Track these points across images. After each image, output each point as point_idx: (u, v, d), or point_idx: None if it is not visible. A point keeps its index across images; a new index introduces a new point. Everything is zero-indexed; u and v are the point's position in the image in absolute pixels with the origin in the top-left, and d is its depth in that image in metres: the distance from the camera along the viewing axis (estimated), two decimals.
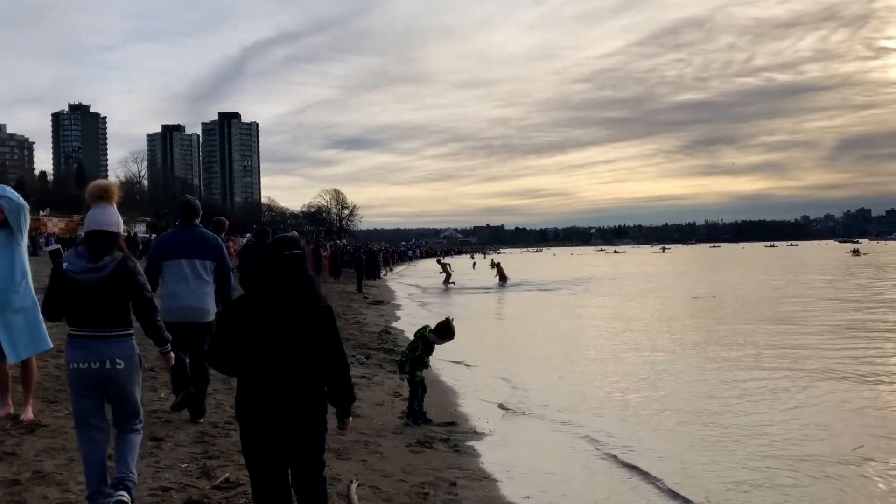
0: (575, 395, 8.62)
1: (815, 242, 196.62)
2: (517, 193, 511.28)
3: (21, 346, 5.28)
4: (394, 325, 15.97)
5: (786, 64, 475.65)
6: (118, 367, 3.85)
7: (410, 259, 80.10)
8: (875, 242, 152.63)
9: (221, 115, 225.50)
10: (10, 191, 5.38)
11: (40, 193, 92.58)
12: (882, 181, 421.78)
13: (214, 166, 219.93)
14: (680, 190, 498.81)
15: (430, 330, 7.10)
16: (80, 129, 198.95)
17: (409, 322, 16.32)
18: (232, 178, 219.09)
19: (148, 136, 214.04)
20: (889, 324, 15.25)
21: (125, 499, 3.77)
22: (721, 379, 9.40)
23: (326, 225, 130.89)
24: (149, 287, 4.05)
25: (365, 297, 23.62)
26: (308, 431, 3.18)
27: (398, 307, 21.33)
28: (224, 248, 6.43)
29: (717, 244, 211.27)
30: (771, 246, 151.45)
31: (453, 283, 32.91)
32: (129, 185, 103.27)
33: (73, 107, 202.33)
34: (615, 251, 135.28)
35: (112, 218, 3.94)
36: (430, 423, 6.90)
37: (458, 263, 65.94)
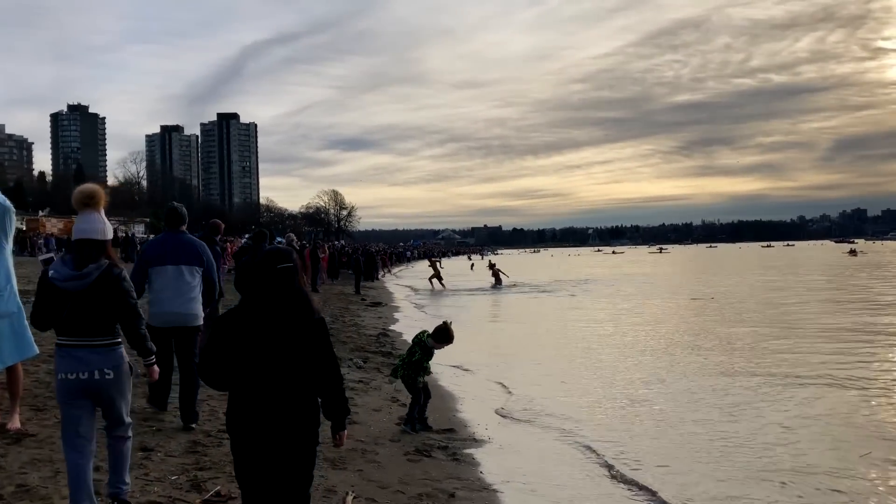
0: (575, 402, 8.45)
1: (812, 242, 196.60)
2: (515, 194, 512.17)
3: (6, 353, 5.13)
4: (392, 327, 15.83)
5: (782, 65, 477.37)
6: (107, 377, 3.82)
7: (409, 260, 79.92)
8: (871, 242, 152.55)
9: (220, 115, 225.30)
10: None
11: (39, 194, 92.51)
12: (878, 181, 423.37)
13: (213, 167, 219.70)
14: (677, 190, 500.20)
15: (428, 335, 6.95)
16: (79, 129, 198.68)
17: (407, 324, 16.19)
18: (231, 178, 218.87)
19: (147, 136, 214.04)
20: (893, 327, 15.11)
21: None
22: (723, 385, 9.23)
23: (325, 226, 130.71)
24: (134, 295, 3.98)
25: (363, 298, 23.48)
26: (299, 446, 3.12)
27: (396, 309, 21.18)
28: (210, 253, 6.49)
29: (713, 244, 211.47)
30: (767, 246, 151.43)
31: (442, 284, 32.76)
32: (128, 186, 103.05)
33: (72, 107, 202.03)
34: (613, 252, 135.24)
35: (97, 225, 3.87)
36: (430, 430, 6.76)
37: (456, 265, 65.96)
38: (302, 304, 3.16)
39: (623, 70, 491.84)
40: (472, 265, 55.82)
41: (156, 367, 4.15)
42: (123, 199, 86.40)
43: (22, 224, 75.28)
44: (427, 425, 6.81)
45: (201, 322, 6.29)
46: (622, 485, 5.52)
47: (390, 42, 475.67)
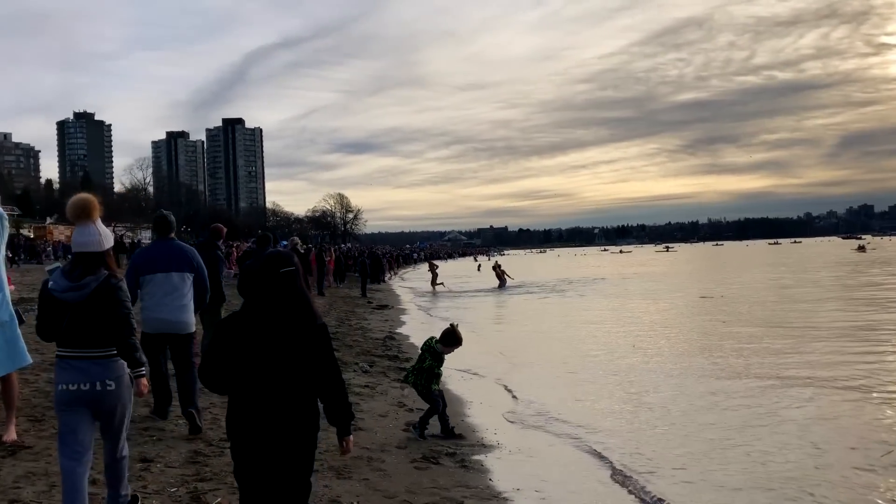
0: (587, 406, 8.27)
1: (819, 239, 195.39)
2: (520, 195, 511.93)
3: None
4: (398, 330, 15.67)
5: (786, 62, 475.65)
6: (109, 388, 3.77)
7: (415, 262, 79.84)
8: (879, 238, 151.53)
9: (225, 121, 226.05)
10: None
11: (46, 202, 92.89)
12: (884, 177, 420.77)
13: (219, 172, 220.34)
14: (682, 189, 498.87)
15: (437, 340, 6.79)
16: (85, 137, 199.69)
17: (413, 328, 16.04)
18: (237, 183, 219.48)
19: (153, 142, 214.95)
20: None
21: None
22: (738, 388, 8.99)
23: (331, 229, 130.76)
24: (129, 305, 3.91)
25: (369, 301, 23.33)
26: (298, 452, 3.10)
27: (403, 311, 21.03)
28: (200, 258, 6.56)
29: (719, 242, 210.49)
30: (774, 243, 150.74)
31: (441, 284, 32.56)
32: (135, 193, 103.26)
33: (78, 115, 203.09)
34: (620, 251, 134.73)
35: (94, 237, 3.83)
36: (461, 437, 6.57)
37: (463, 266, 65.82)
38: (304, 309, 3.12)
39: (627, 70, 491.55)
40: (479, 266, 55.58)
41: (145, 381, 4.00)
42: (130, 206, 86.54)
43: (30, 232, 75.73)
44: (454, 434, 6.60)
45: (193, 329, 6.39)
46: (636, 493, 5.34)
47: (394, 45, 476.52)
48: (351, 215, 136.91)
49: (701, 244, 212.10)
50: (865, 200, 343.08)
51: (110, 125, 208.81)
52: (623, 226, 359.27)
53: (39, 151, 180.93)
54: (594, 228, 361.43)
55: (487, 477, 5.57)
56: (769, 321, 15.94)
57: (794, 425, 7.12)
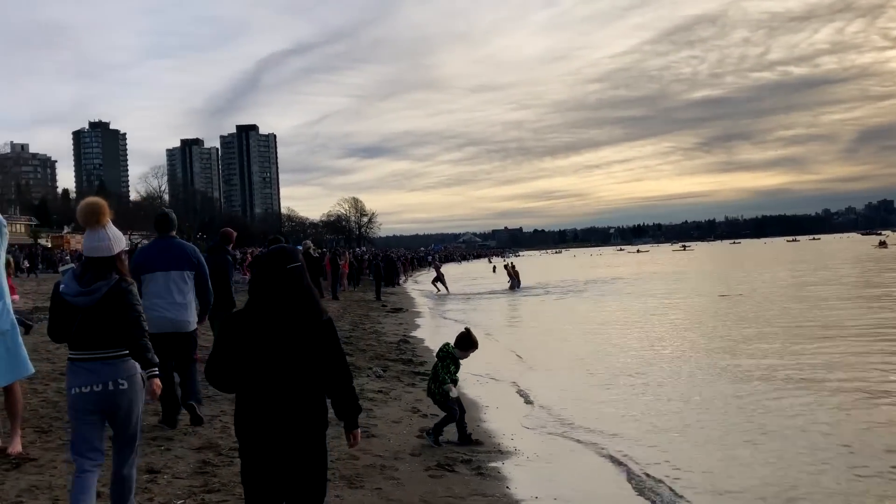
0: (608, 411, 8.01)
1: (838, 236, 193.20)
2: (534, 195, 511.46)
3: (0, 373, 4.88)
4: (413, 333, 15.50)
5: (801, 57, 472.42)
6: (121, 387, 3.77)
7: (430, 264, 79.79)
8: None
9: (239, 127, 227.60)
10: None
11: (64, 211, 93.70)
12: None
13: (234, 178, 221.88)
14: (698, 187, 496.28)
15: (452, 346, 6.61)
16: (100, 146, 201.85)
17: (428, 331, 15.87)
18: (251, 189, 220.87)
19: (167, 150, 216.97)
20: None
21: None
22: (763, 391, 8.71)
23: (346, 233, 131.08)
24: (140, 308, 3.90)
25: (384, 304, 23.20)
26: (308, 450, 3.06)
27: (417, 314, 20.87)
28: (201, 256, 6.58)
29: (737, 240, 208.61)
30: (793, 240, 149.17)
31: (436, 286, 32.43)
32: (150, 200, 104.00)
33: (93, 125, 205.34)
34: (637, 250, 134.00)
35: (104, 243, 3.83)
36: (479, 444, 6.41)
37: (477, 268, 65.57)
38: (309, 305, 3.10)
39: (639, 68, 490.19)
40: (494, 268, 55.40)
41: (158, 381, 3.98)
42: (146, 214, 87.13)
43: (47, 241, 76.40)
44: (471, 440, 6.42)
45: (195, 328, 6.44)
46: (657, 502, 5.12)
47: (405, 49, 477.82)
48: (365, 219, 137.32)
49: (718, 242, 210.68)
50: (885, 195, 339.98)
51: (125, 134, 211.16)
52: (639, 225, 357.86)
53: (56, 161, 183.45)
54: (610, 228, 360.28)
55: (504, 485, 5.38)
56: (792, 321, 15.56)
57: (824, 428, 6.86)
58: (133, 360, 3.83)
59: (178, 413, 6.34)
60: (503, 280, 35.35)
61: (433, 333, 14.88)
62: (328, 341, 3.10)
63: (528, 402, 8.55)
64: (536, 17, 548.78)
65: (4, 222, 5.02)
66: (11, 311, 5.03)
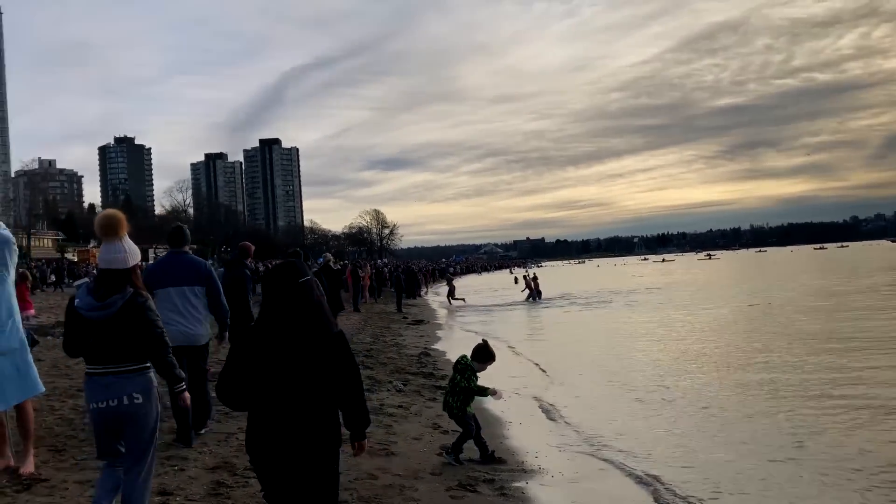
0: (635, 427, 7.73)
1: (867, 243, 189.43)
2: (556, 205, 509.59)
3: (8, 392, 4.78)
4: (434, 346, 15.30)
5: (826, 63, 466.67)
6: (136, 401, 3.74)
7: (452, 276, 79.62)
8: None
9: (262, 141, 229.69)
10: None
11: (89, 226, 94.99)
12: None
13: (257, 192, 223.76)
14: (722, 195, 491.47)
15: (469, 359, 6.41)
16: (126, 161, 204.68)
17: (448, 344, 15.65)
18: (275, 202, 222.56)
19: (192, 165, 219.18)
20: None
21: None
22: (798, 407, 8.36)
23: (368, 245, 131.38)
24: (160, 324, 3.87)
25: (405, 317, 23.05)
26: (319, 466, 3.03)
27: (439, 327, 20.66)
28: (212, 271, 6.57)
29: (763, 249, 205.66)
30: (820, 248, 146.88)
31: (462, 299, 32.11)
32: (175, 214, 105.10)
33: (118, 140, 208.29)
34: (663, 259, 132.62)
35: (120, 255, 3.80)
36: (502, 461, 6.19)
37: (499, 279, 65.17)
38: (319, 319, 3.07)
39: (661, 77, 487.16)
40: (516, 279, 55.00)
41: (186, 394, 4.01)
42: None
43: (74, 256, 77.44)
44: (494, 458, 6.21)
45: (207, 341, 6.43)
46: None
47: (425, 61, 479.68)
48: (387, 231, 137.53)
49: (744, 251, 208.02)
50: None
51: (150, 149, 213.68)
52: (663, 234, 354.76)
53: (82, 177, 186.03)
54: (633, 237, 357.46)
55: None
56: (826, 332, 15.05)
57: (860, 446, 6.55)
58: (149, 374, 3.82)
59: (192, 431, 6.21)
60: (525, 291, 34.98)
61: (454, 346, 14.66)
62: (339, 355, 3.07)
63: (552, 418, 8.31)
64: (557, 28, 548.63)
65: (13, 239, 4.93)
66: (21, 329, 4.92)
